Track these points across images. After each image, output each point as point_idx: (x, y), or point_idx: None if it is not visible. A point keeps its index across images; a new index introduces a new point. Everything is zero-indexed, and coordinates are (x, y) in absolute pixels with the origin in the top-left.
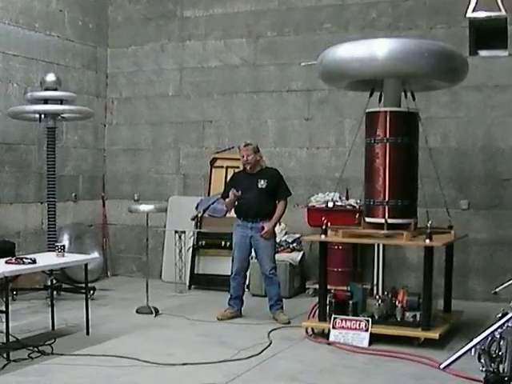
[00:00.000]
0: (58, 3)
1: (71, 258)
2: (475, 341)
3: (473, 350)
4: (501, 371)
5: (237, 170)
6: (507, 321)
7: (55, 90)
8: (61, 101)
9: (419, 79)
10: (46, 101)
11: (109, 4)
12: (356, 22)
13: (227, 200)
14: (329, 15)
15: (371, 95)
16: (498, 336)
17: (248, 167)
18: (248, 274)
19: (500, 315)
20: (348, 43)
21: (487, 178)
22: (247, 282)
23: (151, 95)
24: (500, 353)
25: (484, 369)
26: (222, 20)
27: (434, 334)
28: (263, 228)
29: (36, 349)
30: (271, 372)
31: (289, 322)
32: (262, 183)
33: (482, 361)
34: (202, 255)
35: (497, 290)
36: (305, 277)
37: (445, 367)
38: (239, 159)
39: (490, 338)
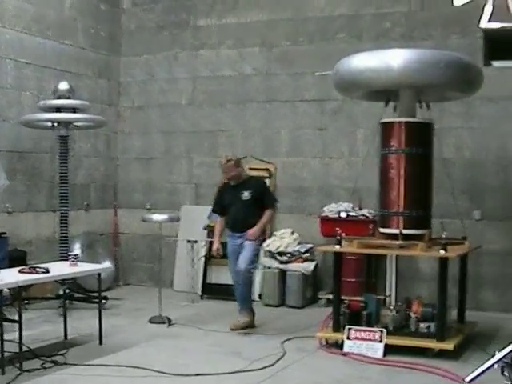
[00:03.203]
0: (71, 11)
1: (84, 267)
2: (501, 354)
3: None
4: None
5: (221, 184)
6: None
7: (68, 98)
8: (73, 109)
9: (434, 90)
10: (58, 109)
11: (122, 12)
12: (370, 32)
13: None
14: (342, 25)
15: (386, 105)
16: None
17: (232, 183)
18: (257, 284)
19: None
20: (364, 53)
21: (500, 188)
22: (259, 292)
23: (164, 104)
24: None
25: (509, 382)
26: (235, 29)
27: (449, 345)
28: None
29: (49, 359)
30: (286, 383)
31: (245, 327)
32: (245, 195)
33: (506, 374)
34: (214, 264)
35: None
36: (317, 287)
37: (470, 381)
38: (253, 169)
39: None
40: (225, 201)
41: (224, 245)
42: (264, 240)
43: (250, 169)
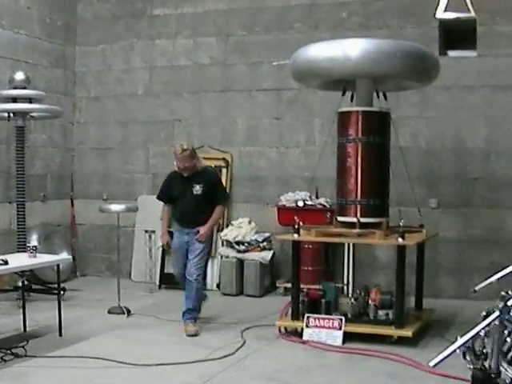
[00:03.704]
0: (26, 0)
1: (43, 258)
2: (464, 338)
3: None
4: (487, 368)
5: (172, 172)
6: (494, 319)
7: (24, 88)
8: (29, 99)
9: (391, 79)
10: (14, 99)
11: (77, 2)
12: (326, 22)
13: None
14: (299, 15)
15: (343, 95)
16: (483, 334)
17: (185, 174)
18: (215, 274)
19: (485, 314)
20: (321, 43)
21: (456, 177)
22: (217, 282)
23: (120, 94)
24: (484, 350)
25: (471, 366)
26: (191, 19)
27: (407, 332)
28: (198, 232)
29: (9, 351)
30: (246, 372)
31: (196, 335)
32: (197, 189)
33: (468, 358)
34: (171, 254)
35: (476, 288)
36: (275, 276)
37: (435, 365)
38: (209, 158)
39: (473, 336)
40: (173, 191)
41: (171, 234)
42: (212, 238)
43: (207, 158)
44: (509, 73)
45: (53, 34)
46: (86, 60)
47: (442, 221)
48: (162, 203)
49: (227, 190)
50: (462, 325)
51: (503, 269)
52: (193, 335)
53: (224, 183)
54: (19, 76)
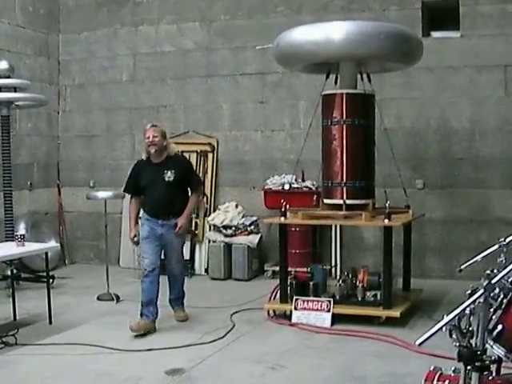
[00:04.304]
0: None
1: (32, 246)
2: (450, 316)
3: (444, 326)
4: (473, 345)
5: (139, 160)
6: (479, 297)
7: (8, 77)
8: (14, 88)
9: (375, 61)
10: None
11: None
12: (309, 5)
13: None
14: None
15: (327, 77)
16: (468, 312)
17: (153, 150)
18: (203, 258)
19: (470, 292)
20: (304, 26)
21: (441, 157)
22: (206, 266)
23: (104, 81)
24: (470, 328)
25: (457, 344)
26: (174, 4)
27: (395, 313)
28: (176, 225)
29: None
30: (236, 355)
31: (186, 320)
32: (168, 175)
33: (454, 336)
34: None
35: (462, 267)
36: (263, 259)
37: (420, 343)
38: (195, 144)
39: (459, 314)
40: (142, 180)
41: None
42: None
43: (192, 144)
44: (492, 53)
45: (36, 22)
46: (70, 48)
47: (428, 201)
48: (129, 196)
49: (212, 176)
50: (450, 305)
51: (488, 248)
52: (183, 320)
53: (210, 168)
54: (3, 65)
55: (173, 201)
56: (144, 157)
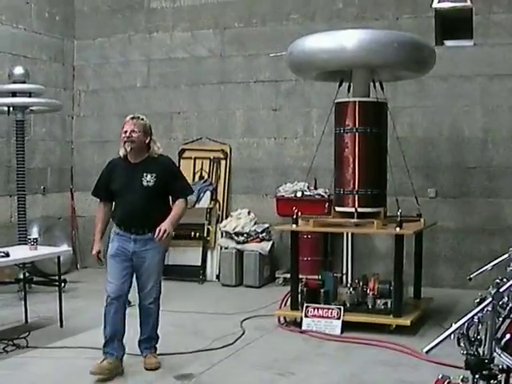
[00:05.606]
0: None
1: (44, 250)
2: (458, 324)
3: (452, 334)
4: (480, 354)
5: (113, 159)
6: (487, 305)
7: (23, 82)
8: (29, 93)
9: (388, 69)
10: (14, 94)
11: None
12: (323, 13)
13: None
14: (295, 6)
15: (340, 86)
16: (476, 320)
17: (128, 148)
18: (215, 265)
19: (478, 300)
20: (318, 34)
21: (454, 166)
22: (217, 273)
23: (118, 87)
24: (478, 336)
25: (465, 352)
26: (188, 11)
27: (406, 321)
28: (150, 239)
29: (10, 342)
30: (246, 361)
31: (157, 368)
32: (148, 179)
33: (462, 345)
34: (172, 246)
35: (471, 276)
36: (274, 266)
37: (428, 351)
38: (208, 150)
39: (467, 323)
40: (114, 183)
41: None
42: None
43: (205, 150)
44: (505, 61)
45: (51, 28)
46: (85, 53)
47: (440, 210)
48: (98, 200)
49: (225, 183)
50: (460, 314)
51: (499, 257)
52: (154, 369)
53: (223, 175)
54: (18, 70)
55: (150, 211)
56: (121, 153)
